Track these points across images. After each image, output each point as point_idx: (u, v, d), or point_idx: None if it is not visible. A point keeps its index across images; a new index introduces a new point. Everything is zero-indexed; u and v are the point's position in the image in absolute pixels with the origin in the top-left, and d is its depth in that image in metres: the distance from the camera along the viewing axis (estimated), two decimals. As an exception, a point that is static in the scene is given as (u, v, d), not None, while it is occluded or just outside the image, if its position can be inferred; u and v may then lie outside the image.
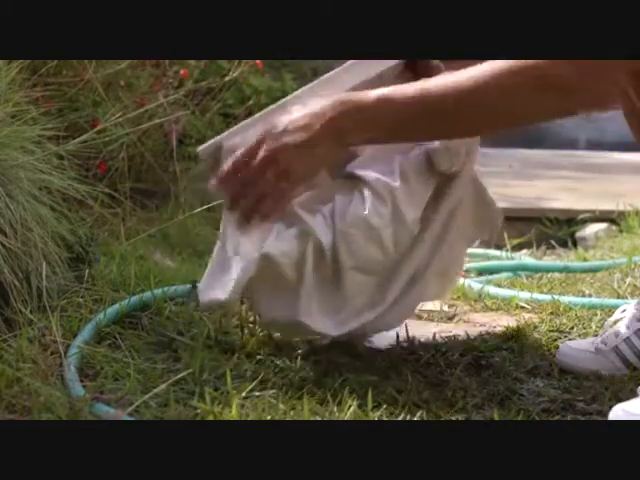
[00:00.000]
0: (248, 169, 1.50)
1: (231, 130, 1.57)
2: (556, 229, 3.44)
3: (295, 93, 1.62)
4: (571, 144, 5.40)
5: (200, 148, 1.57)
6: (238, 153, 1.51)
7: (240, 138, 1.53)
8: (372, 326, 1.65)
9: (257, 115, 1.60)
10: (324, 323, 1.58)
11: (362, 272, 1.59)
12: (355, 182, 1.59)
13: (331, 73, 1.63)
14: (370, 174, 1.59)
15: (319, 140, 1.47)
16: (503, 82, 1.37)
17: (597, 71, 1.33)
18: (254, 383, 1.43)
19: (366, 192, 1.58)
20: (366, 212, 1.56)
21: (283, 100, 1.61)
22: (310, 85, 1.63)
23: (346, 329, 1.60)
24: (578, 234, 3.38)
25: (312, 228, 1.54)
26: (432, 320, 1.91)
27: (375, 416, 1.36)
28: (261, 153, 1.49)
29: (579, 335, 1.79)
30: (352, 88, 1.58)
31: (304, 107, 1.50)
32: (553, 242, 3.17)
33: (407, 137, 1.53)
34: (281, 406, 1.36)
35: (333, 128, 1.46)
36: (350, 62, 1.62)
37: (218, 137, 1.57)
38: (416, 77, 1.70)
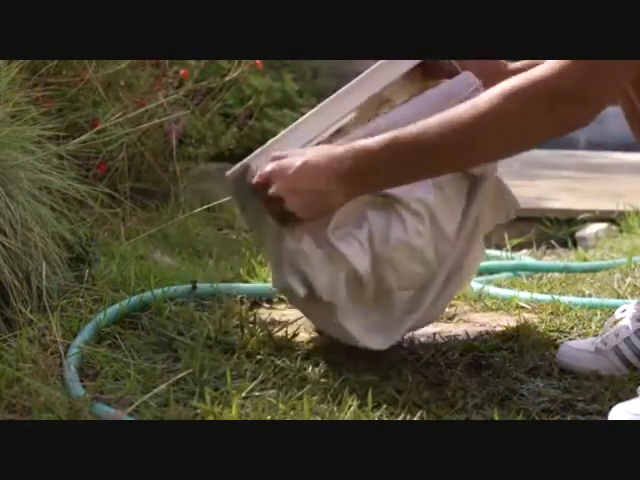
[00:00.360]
0: (259, 197, 1.50)
1: (258, 150, 1.56)
2: (556, 229, 3.44)
3: (326, 101, 1.62)
4: (571, 144, 5.40)
5: (228, 172, 1.55)
6: (254, 179, 1.50)
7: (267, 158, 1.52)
8: (411, 329, 1.69)
9: (282, 133, 1.59)
10: (375, 340, 1.60)
11: (406, 289, 1.62)
12: (388, 200, 1.58)
13: (346, 86, 1.63)
14: (401, 190, 1.57)
15: (330, 190, 1.46)
16: (506, 108, 1.35)
17: (597, 70, 1.32)
18: (254, 383, 1.43)
19: (403, 212, 1.57)
20: (409, 236, 1.57)
21: (316, 109, 1.60)
22: (333, 96, 1.62)
23: (393, 340, 1.63)
24: (578, 234, 3.38)
25: (345, 255, 1.53)
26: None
27: (375, 416, 1.36)
28: (270, 190, 1.47)
29: (579, 335, 1.79)
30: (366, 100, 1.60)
31: (316, 148, 1.49)
32: (553, 242, 3.17)
33: (424, 174, 1.50)
34: (281, 406, 1.36)
35: (345, 178, 1.44)
36: (367, 72, 1.63)
37: (246, 159, 1.55)
38: (424, 76, 1.70)
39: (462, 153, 1.42)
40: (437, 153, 1.42)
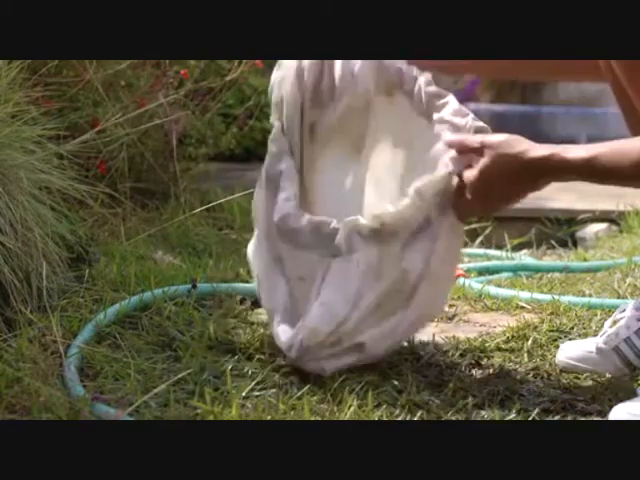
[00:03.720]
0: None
1: None
2: (556, 229, 3.43)
3: None
4: (571, 143, 5.40)
5: None
6: (456, 140, 1.51)
7: None
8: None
9: None
10: None
11: None
12: None
13: None
14: None
15: (514, 194, 1.54)
16: None
17: None
18: (254, 383, 1.43)
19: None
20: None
21: None
22: None
23: None
24: (578, 234, 3.37)
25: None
26: (432, 320, 1.91)
27: (375, 416, 1.36)
28: (474, 174, 1.48)
29: (579, 335, 1.79)
30: None
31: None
32: (553, 242, 3.17)
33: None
34: (281, 406, 1.36)
35: (534, 186, 1.56)
36: None
37: None
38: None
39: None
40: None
